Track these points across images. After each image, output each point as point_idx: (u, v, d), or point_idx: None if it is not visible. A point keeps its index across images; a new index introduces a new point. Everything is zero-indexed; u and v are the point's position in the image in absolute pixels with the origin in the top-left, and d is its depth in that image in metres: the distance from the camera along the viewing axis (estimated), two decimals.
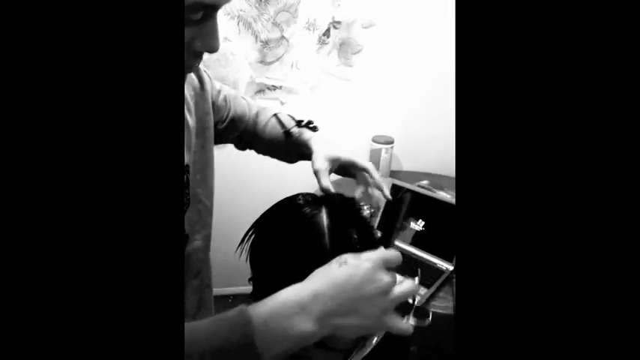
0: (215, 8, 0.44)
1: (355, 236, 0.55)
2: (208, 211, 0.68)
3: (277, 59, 1.40)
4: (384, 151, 1.41)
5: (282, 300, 0.41)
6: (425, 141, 1.50)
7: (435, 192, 1.24)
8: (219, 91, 0.72)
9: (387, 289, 0.42)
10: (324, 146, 0.69)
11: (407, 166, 1.55)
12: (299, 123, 0.74)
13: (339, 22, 1.38)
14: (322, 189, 0.67)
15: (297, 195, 0.60)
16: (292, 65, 1.41)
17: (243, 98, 0.78)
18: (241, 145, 0.80)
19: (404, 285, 0.44)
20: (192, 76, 0.64)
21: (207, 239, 0.69)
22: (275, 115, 0.76)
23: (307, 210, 0.57)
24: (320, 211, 0.57)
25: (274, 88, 1.44)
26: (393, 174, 1.46)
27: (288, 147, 0.74)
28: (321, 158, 0.67)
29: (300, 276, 0.45)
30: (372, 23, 1.39)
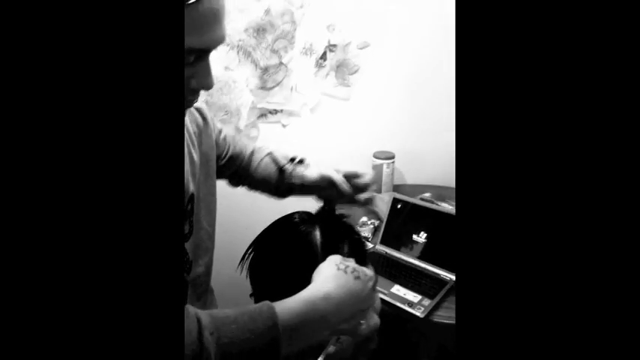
0: (206, 52, 0.49)
1: (347, 251, 0.58)
2: (210, 237, 0.72)
3: (277, 84, 1.46)
4: (385, 166, 1.43)
5: (306, 305, 0.44)
6: (426, 154, 1.52)
7: (437, 204, 1.26)
8: (220, 131, 0.78)
9: (371, 301, 0.51)
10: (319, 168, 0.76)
11: (410, 179, 1.57)
12: (292, 160, 0.80)
13: (334, 45, 1.43)
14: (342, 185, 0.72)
15: (294, 214, 0.64)
16: (292, 89, 1.46)
17: (241, 139, 0.84)
18: (234, 182, 0.85)
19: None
20: (195, 114, 0.70)
21: (210, 264, 0.73)
22: (269, 154, 0.82)
23: (303, 228, 0.60)
24: (314, 229, 0.60)
25: (275, 111, 1.49)
26: (396, 188, 1.48)
27: (280, 183, 0.79)
28: (324, 171, 0.74)
29: (297, 290, 0.48)
30: (366, 44, 1.44)
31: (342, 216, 0.64)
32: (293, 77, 1.45)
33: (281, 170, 0.79)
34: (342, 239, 0.60)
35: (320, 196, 0.78)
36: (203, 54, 0.49)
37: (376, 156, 1.45)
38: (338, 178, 0.73)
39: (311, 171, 0.76)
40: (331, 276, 0.48)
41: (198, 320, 0.39)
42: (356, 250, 0.59)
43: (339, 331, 0.47)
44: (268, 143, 1.47)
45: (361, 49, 1.44)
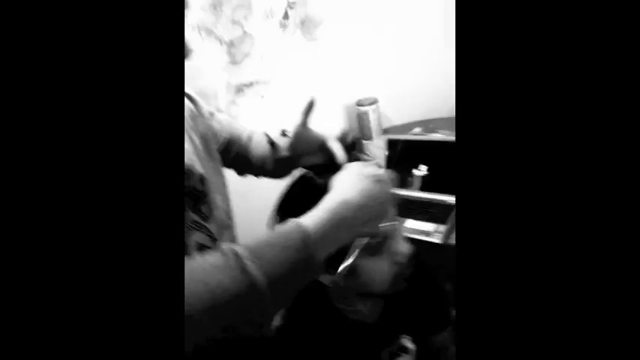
0: None
1: None
2: (228, 214, 0.73)
3: (246, 55, 1.43)
4: (371, 112, 1.44)
5: (329, 213, 0.47)
6: (408, 92, 1.53)
7: (428, 136, 1.28)
8: (211, 114, 0.77)
9: (392, 196, 0.53)
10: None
11: (397, 120, 1.59)
12: (283, 133, 0.79)
13: (293, 3, 1.40)
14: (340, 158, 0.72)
15: (305, 173, 0.66)
16: (261, 57, 1.44)
17: (238, 124, 0.83)
18: (238, 170, 0.84)
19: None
20: (184, 99, 0.69)
21: (233, 240, 0.74)
22: (263, 133, 0.81)
23: (319, 181, 0.63)
24: (329, 178, 0.62)
25: (251, 84, 1.47)
26: (385, 131, 1.50)
27: (274, 159, 0.78)
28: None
29: None
30: None
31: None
32: (260, 45, 1.42)
33: (272, 145, 0.78)
34: None
35: (307, 165, 0.78)
36: None
37: (360, 104, 1.46)
38: (333, 142, 0.71)
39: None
40: (349, 183, 0.51)
41: (235, 254, 0.41)
42: None
43: (362, 234, 0.51)
44: (251, 117, 1.48)
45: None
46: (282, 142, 0.78)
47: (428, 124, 1.41)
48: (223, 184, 0.74)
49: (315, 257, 0.44)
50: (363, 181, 0.51)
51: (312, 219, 0.46)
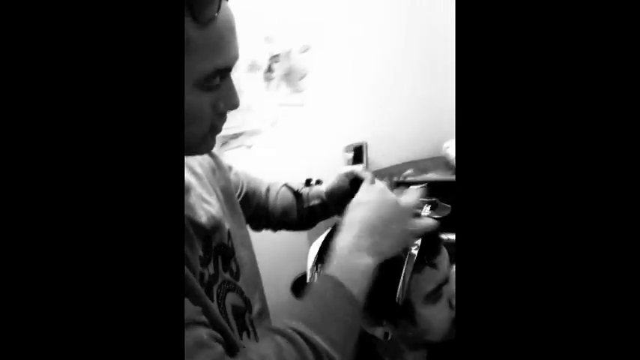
0: (229, 69, 0.49)
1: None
2: (255, 270, 0.69)
3: None
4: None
5: (340, 252, 0.48)
6: (394, 135, 1.55)
7: (424, 176, 1.27)
8: (230, 167, 0.76)
9: (398, 206, 0.52)
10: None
11: (386, 163, 1.58)
12: (308, 182, 0.78)
13: (276, 55, 1.43)
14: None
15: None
16: (247, 109, 1.43)
17: (255, 177, 0.82)
18: (255, 224, 0.81)
19: (408, 195, 0.54)
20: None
21: (263, 297, 0.70)
22: (284, 184, 0.79)
23: None
24: None
25: (236, 135, 1.45)
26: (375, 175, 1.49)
27: (300, 209, 0.76)
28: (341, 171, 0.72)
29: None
30: (307, 47, 1.45)
31: None
32: (245, 97, 1.42)
33: (297, 195, 0.76)
34: None
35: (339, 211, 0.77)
36: (226, 73, 0.49)
37: (347, 150, 1.45)
38: (361, 170, 0.71)
39: (326, 184, 0.74)
40: (342, 226, 0.50)
41: (300, 334, 0.42)
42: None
43: (392, 248, 0.50)
44: (239, 168, 1.43)
45: (303, 52, 1.44)
46: (310, 192, 0.75)
47: (418, 165, 1.41)
48: (248, 239, 0.70)
49: (357, 299, 0.46)
50: (355, 215, 0.51)
51: (335, 267, 0.47)
